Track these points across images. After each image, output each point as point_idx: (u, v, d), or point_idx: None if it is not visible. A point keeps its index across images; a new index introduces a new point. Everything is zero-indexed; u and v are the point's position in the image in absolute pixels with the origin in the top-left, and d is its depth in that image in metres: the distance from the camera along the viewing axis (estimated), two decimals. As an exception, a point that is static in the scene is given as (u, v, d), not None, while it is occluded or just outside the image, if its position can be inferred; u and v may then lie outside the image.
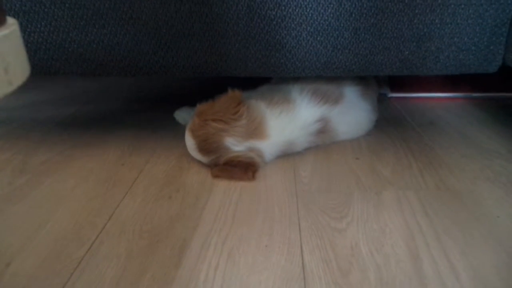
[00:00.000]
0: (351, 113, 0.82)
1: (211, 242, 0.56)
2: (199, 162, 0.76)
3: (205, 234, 0.58)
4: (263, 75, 0.72)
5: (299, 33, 0.67)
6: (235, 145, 0.71)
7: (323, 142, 0.82)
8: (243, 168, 0.70)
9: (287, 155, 0.78)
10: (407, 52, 0.69)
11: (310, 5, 0.65)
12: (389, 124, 0.93)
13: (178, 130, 0.90)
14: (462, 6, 0.65)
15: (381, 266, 0.51)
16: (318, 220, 0.60)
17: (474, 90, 1.09)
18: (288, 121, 0.75)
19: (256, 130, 0.72)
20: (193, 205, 0.64)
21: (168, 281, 0.49)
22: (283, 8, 0.65)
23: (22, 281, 0.50)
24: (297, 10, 0.65)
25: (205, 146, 0.71)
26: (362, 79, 0.87)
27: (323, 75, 0.72)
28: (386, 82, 1.13)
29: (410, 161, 0.77)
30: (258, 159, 0.72)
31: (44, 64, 0.70)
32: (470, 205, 0.63)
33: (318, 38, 0.68)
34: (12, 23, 0.26)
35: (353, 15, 0.66)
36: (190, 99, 0.91)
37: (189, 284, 0.49)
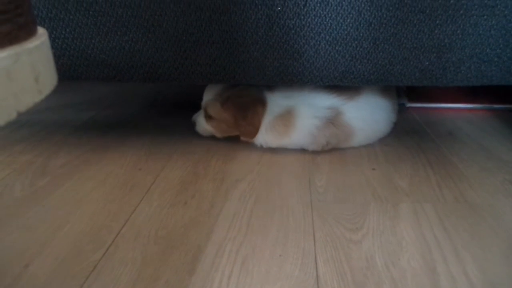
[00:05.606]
0: (368, 109, 0.81)
1: (225, 250, 0.56)
2: (215, 168, 0.77)
3: (219, 241, 0.58)
4: (281, 83, 0.72)
5: (318, 43, 0.67)
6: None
7: (337, 141, 0.81)
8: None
9: (302, 163, 0.78)
10: (427, 63, 0.68)
11: (329, 15, 0.65)
12: (407, 134, 0.92)
13: (194, 136, 0.90)
14: (485, 17, 0.64)
15: (397, 280, 0.50)
16: (333, 231, 0.60)
17: (495, 102, 1.07)
18: (287, 98, 0.80)
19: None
20: (208, 212, 0.65)
21: (182, 287, 0.50)
22: (302, 17, 0.65)
23: (39, 283, 0.51)
24: (316, 20, 0.65)
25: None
26: None
27: (341, 84, 0.72)
28: (404, 92, 1.12)
29: (428, 173, 0.75)
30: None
31: (67, 69, 0.71)
32: (490, 220, 0.61)
33: (337, 48, 0.68)
34: (42, 33, 0.27)
35: (373, 25, 0.66)
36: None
37: (202, 292, 0.49)
